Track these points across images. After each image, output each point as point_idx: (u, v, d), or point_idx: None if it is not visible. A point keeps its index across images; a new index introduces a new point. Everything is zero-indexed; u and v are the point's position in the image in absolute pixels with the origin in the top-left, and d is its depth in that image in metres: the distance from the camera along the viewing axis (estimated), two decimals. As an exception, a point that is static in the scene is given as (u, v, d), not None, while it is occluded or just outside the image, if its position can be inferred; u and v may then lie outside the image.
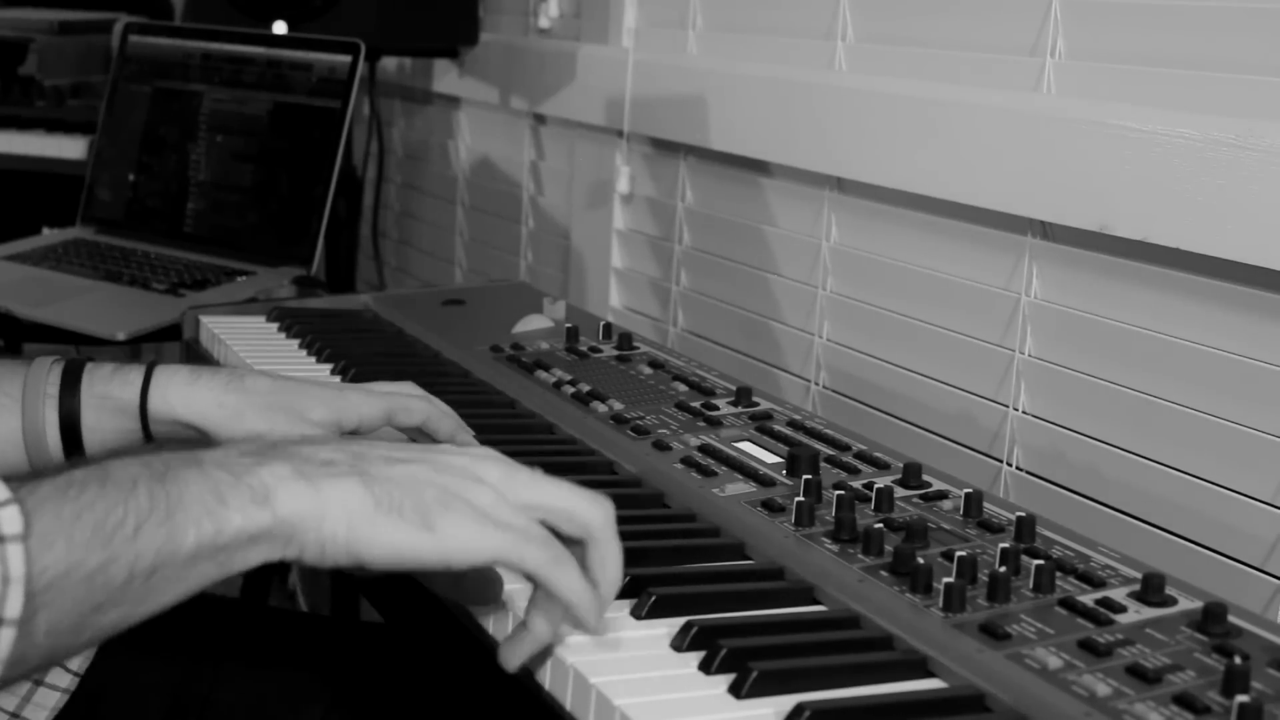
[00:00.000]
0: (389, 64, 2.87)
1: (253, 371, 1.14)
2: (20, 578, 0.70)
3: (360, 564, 0.79)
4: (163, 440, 1.14)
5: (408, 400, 1.14)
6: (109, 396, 1.12)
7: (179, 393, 1.11)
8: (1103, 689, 0.79)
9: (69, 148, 2.51)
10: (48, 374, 1.12)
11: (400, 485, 0.80)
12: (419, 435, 1.17)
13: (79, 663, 1.05)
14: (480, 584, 0.89)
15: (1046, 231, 1.42)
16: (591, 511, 0.84)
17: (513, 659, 0.82)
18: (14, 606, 0.70)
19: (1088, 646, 0.83)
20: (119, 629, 0.76)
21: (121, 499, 0.74)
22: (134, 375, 1.12)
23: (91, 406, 1.12)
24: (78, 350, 2.76)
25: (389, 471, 0.80)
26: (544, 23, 2.33)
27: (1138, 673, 0.80)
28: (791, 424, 1.23)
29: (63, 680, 1.04)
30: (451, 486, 0.81)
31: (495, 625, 0.88)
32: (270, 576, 2.33)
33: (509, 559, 0.80)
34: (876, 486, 1.06)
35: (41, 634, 0.71)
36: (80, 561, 0.72)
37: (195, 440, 1.13)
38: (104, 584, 0.73)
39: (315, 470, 0.79)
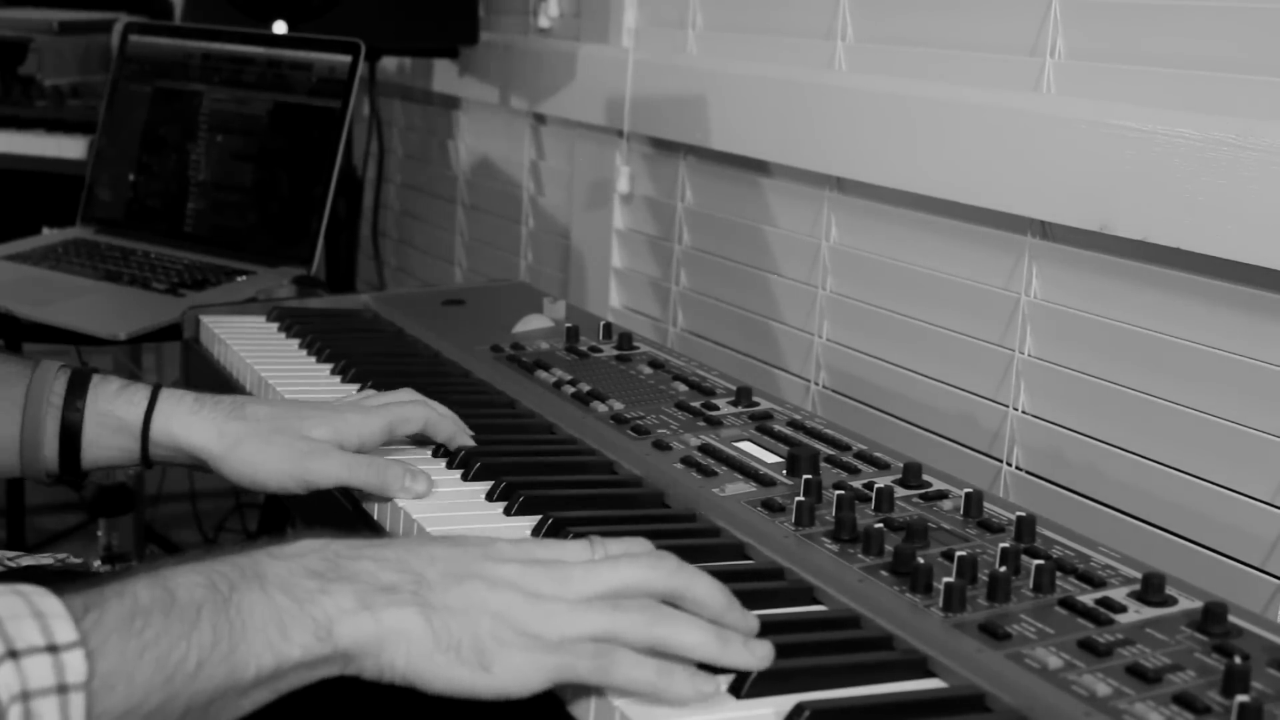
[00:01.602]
0: (389, 64, 2.87)
1: (254, 399, 1.14)
2: None
3: (414, 688, 0.80)
4: (161, 462, 1.15)
5: (405, 409, 1.14)
6: (112, 415, 1.12)
7: (181, 421, 1.11)
8: (1103, 689, 0.79)
9: (69, 148, 2.51)
10: (53, 381, 1.12)
11: (457, 616, 0.79)
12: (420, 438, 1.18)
13: None
14: None
15: (1046, 231, 1.42)
16: (654, 575, 0.83)
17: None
18: None
19: (1088, 646, 0.83)
20: None
21: (185, 632, 0.74)
22: (139, 396, 1.13)
23: (94, 422, 1.12)
24: (78, 351, 2.76)
25: (447, 599, 0.80)
26: (544, 23, 2.33)
27: (1138, 672, 0.80)
28: (791, 424, 1.23)
29: None
30: (507, 611, 0.80)
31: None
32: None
33: (563, 681, 0.79)
34: (876, 486, 1.06)
35: None
36: (140, 703, 0.73)
37: (192, 466, 1.14)
38: None
39: (377, 598, 0.79)
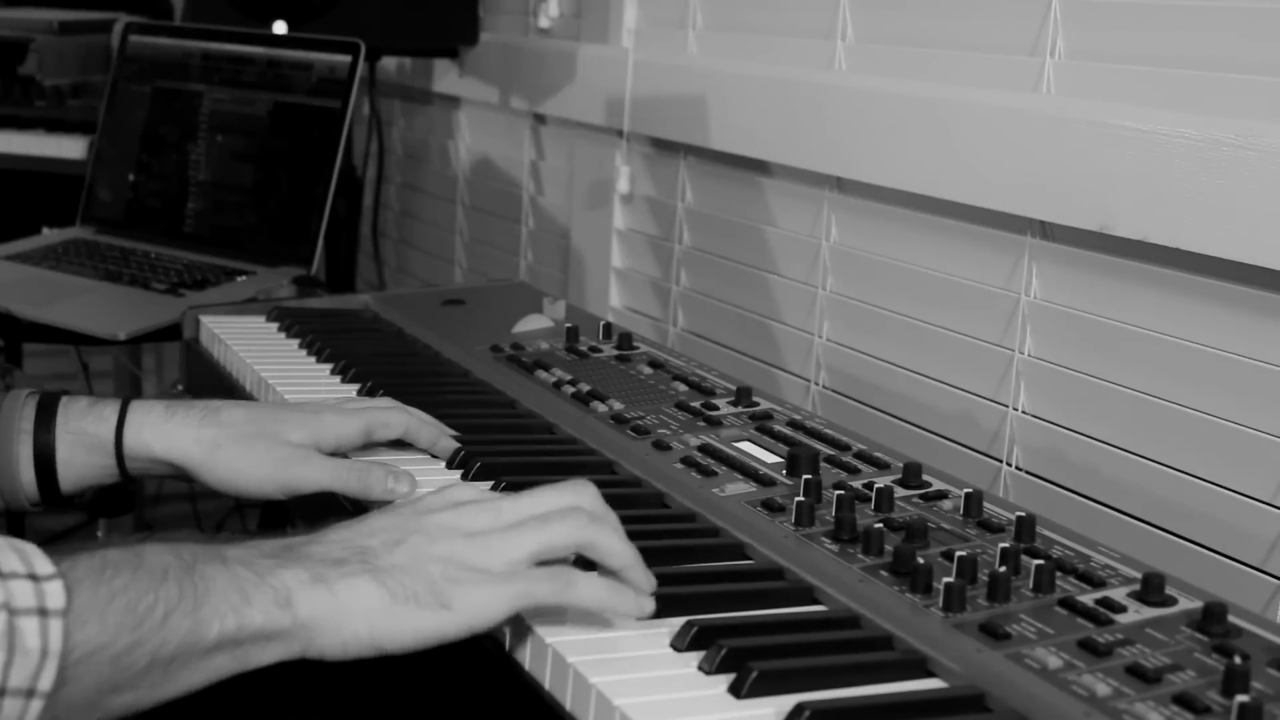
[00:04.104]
0: (389, 64, 2.87)
1: (228, 403, 1.13)
2: (57, 652, 0.73)
3: (384, 653, 0.83)
4: (139, 477, 1.14)
5: (385, 414, 1.14)
6: (84, 433, 1.11)
7: (154, 430, 1.10)
8: (1103, 689, 0.79)
9: (69, 148, 2.51)
10: (21, 408, 1.11)
11: (408, 571, 0.84)
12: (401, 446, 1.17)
13: None
14: None
15: (1046, 231, 1.42)
16: (579, 497, 0.90)
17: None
18: (48, 679, 0.73)
19: (1088, 646, 0.83)
20: (127, 713, 0.79)
21: (153, 586, 0.77)
22: (109, 411, 1.12)
23: (66, 443, 1.11)
24: (78, 351, 2.76)
25: (394, 559, 0.85)
26: (544, 23, 2.33)
27: (1138, 672, 0.80)
28: (791, 424, 1.23)
29: None
30: (452, 555, 0.85)
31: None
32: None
33: (525, 605, 0.85)
34: (876, 486, 1.06)
35: (61, 707, 0.74)
36: (110, 642, 0.75)
37: (172, 476, 1.13)
38: (127, 666, 0.76)
39: (329, 571, 0.83)
